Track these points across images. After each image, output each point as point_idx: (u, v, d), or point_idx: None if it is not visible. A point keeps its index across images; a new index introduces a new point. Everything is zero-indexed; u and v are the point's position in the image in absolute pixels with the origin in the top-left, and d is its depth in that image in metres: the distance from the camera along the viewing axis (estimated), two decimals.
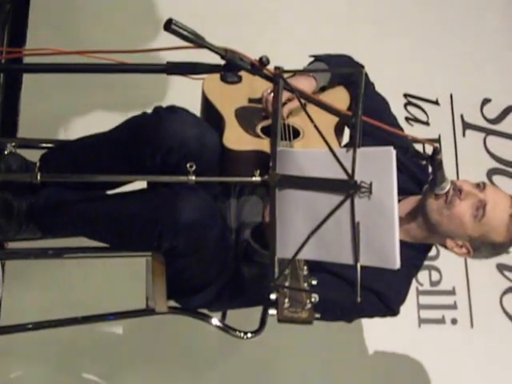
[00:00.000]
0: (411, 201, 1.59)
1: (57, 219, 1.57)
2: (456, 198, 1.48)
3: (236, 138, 1.54)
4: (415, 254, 1.60)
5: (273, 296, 1.06)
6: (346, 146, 1.63)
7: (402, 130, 1.73)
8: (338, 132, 1.64)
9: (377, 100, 1.72)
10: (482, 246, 1.54)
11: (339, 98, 1.70)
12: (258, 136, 1.58)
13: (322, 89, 1.68)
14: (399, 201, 1.58)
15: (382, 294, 1.49)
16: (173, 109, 1.53)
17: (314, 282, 1.10)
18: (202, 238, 1.45)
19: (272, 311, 1.05)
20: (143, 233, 1.47)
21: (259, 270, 1.48)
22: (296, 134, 1.60)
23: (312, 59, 1.72)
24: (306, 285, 1.09)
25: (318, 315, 1.05)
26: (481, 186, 1.51)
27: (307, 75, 1.63)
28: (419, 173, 1.66)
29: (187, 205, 1.42)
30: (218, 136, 1.54)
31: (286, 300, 1.05)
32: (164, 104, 1.57)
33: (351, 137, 1.33)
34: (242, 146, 1.52)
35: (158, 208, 1.45)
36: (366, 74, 1.71)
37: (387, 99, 1.75)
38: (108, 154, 1.55)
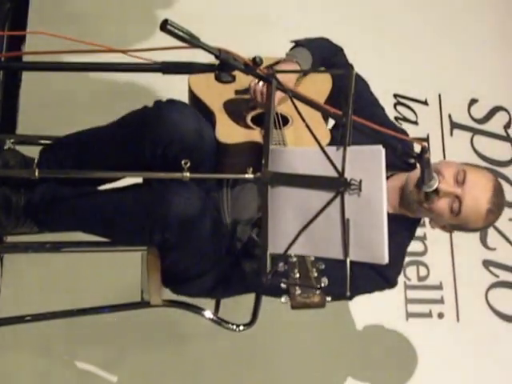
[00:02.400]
0: (400, 177, 1.61)
1: (52, 215, 1.58)
2: (434, 197, 1.50)
3: (228, 132, 1.55)
4: (406, 225, 1.63)
5: (283, 284, 1.07)
6: (334, 136, 1.65)
7: (383, 109, 1.76)
8: (326, 117, 1.65)
9: (357, 83, 1.74)
10: (461, 229, 1.60)
11: (321, 80, 1.72)
12: (248, 127, 1.59)
13: (305, 72, 1.70)
14: (388, 177, 1.60)
15: (377, 266, 1.51)
16: (173, 102, 1.54)
17: (322, 267, 1.10)
18: (193, 231, 1.47)
19: (284, 299, 1.06)
20: (135, 226, 1.49)
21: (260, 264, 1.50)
22: (285, 120, 1.61)
23: (293, 45, 1.73)
24: (314, 270, 1.10)
25: (329, 298, 1.06)
26: (460, 179, 1.51)
27: (291, 61, 1.64)
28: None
29: (177, 198, 1.44)
30: (212, 130, 1.55)
31: (297, 287, 1.06)
32: (155, 99, 1.58)
33: (341, 133, 1.35)
34: (235, 139, 1.53)
35: (149, 202, 1.47)
36: (345, 56, 1.74)
37: (378, 99, 1.79)
38: (109, 147, 1.55)
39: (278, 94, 1.57)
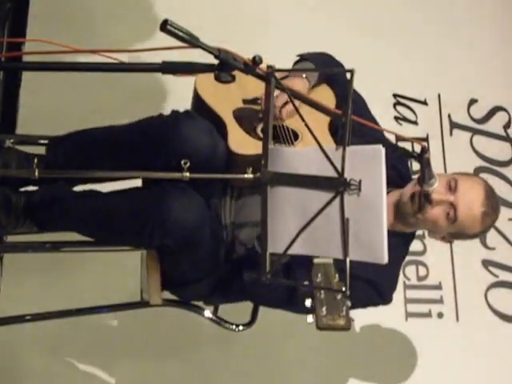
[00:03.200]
0: (395, 193, 1.63)
1: (51, 216, 1.58)
2: (427, 206, 1.51)
3: (241, 142, 1.54)
4: (402, 241, 1.65)
5: (308, 304, 1.05)
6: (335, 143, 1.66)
7: (369, 111, 1.75)
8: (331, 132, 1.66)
9: (356, 101, 1.74)
10: (460, 237, 1.62)
11: (326, 95, 1.72)
12: (260, 138, 1.57)
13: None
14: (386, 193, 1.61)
15: (374, 281, 1.52)
16: (189, 114, 1.54)
17: (343, 288, 1.07)
18: (191, 237, 1.46)
19: (310, 319, 1.04)
20: (134, 231, 1.48)
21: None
22: (295, 136, 1.61)
23: (297, 58, 1.74)
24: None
25: (353, 320, 1.04)
26: (452, 187, 1.53)
27: (300, 76, 1.65)
28: (401, 167, 1.70)
29: (176, 204, 1.43)
30: (225, 144, 1.53)
31: (324, 308, 1.04)
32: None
33: (340, 133, 1.35)
34: (248, 150, 1.52)
35: (148, 206, 1.47)
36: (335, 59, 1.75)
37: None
38: (121, 152, 1.53)
39: (289, 108, 1.58)
